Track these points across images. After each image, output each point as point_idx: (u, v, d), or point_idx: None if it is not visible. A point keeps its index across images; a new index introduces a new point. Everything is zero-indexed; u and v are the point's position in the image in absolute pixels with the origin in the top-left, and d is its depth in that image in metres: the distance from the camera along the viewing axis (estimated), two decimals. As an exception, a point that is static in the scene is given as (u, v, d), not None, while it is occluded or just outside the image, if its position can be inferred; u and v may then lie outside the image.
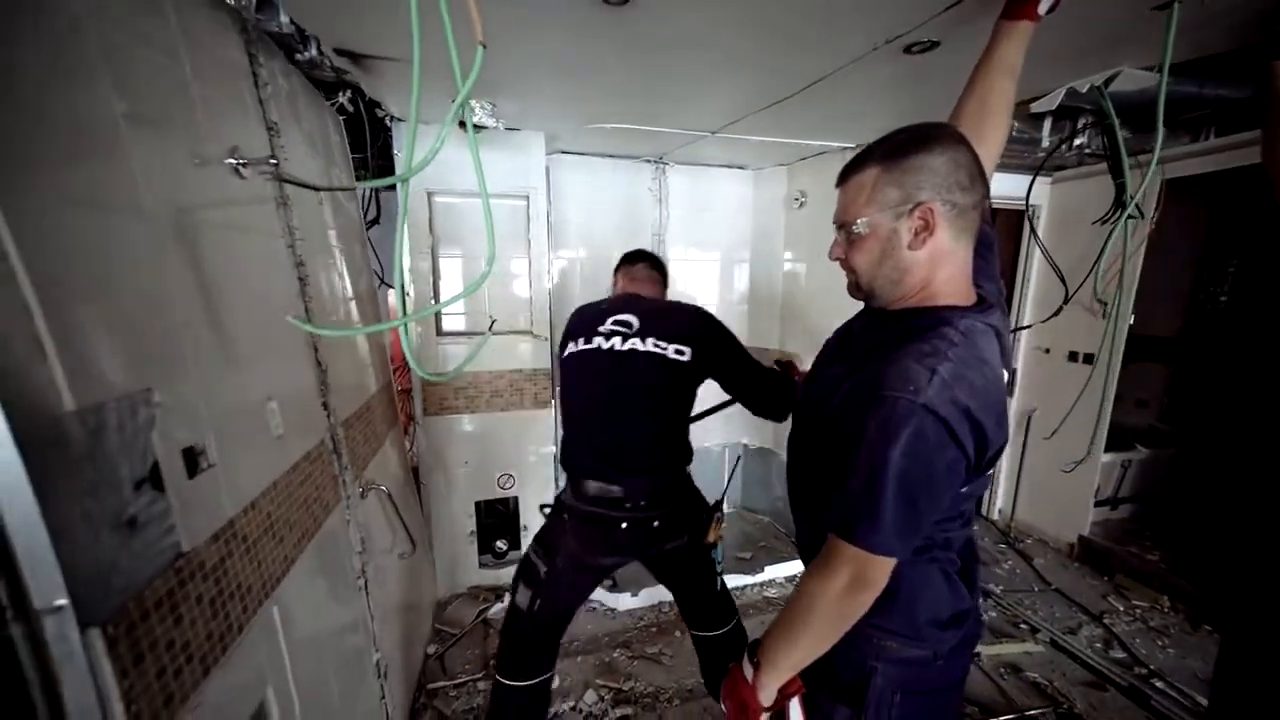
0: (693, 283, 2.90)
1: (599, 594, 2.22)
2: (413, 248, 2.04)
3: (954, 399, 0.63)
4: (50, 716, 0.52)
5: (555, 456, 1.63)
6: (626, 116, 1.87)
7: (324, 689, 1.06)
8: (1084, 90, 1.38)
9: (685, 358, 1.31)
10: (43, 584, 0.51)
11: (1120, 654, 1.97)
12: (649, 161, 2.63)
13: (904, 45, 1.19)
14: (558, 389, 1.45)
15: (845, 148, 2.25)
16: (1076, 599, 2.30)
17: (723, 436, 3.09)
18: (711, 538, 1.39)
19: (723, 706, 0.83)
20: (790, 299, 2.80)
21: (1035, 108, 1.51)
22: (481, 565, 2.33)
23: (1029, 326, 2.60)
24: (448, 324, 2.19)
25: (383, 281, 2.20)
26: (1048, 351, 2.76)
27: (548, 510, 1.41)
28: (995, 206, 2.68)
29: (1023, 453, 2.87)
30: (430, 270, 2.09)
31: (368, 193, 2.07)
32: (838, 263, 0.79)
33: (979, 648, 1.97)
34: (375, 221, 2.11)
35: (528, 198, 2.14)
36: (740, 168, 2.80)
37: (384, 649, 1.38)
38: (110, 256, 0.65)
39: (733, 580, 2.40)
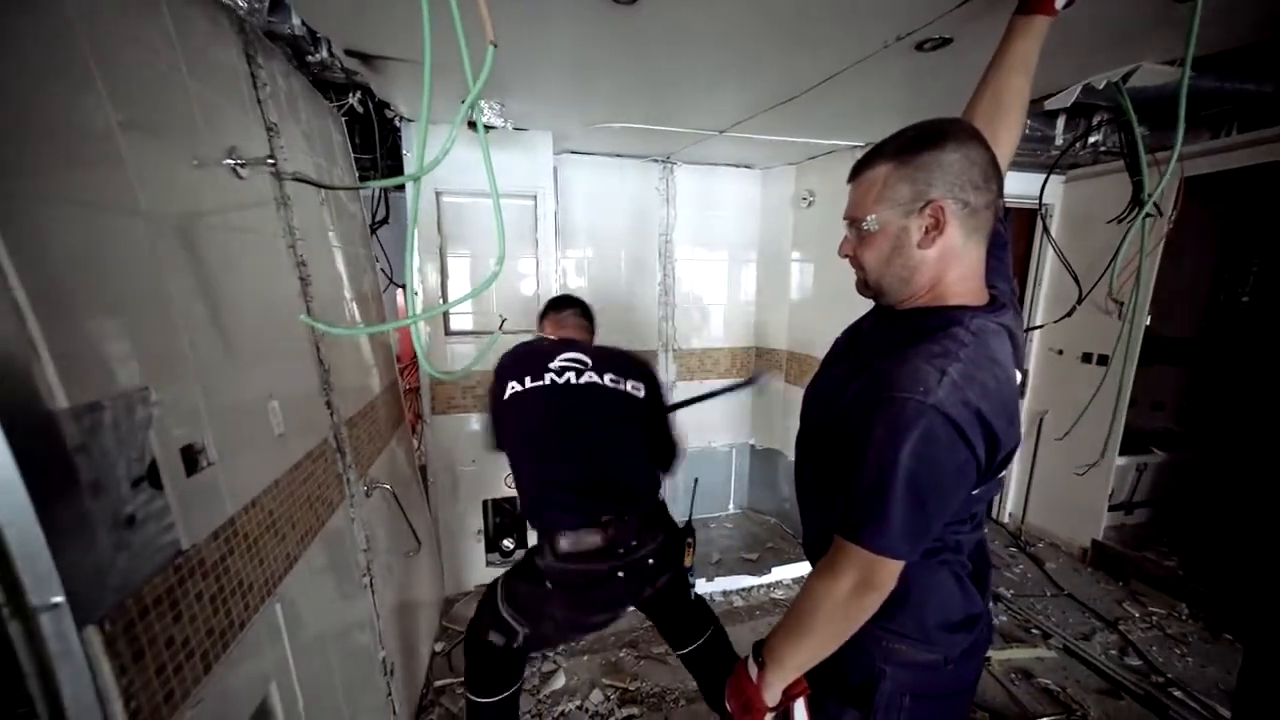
0: (700, 283, 2.89)
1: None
2: (421, 247, 2.05)
3: (965, 400, 0.62)
4: (50, 713, 0.53)
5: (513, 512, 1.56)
6: (634, 116, 1.87)
7: (329, 685, 1.07)
8: (1100, 87, 1.36)
9: (641, 394, 1.31)
10: (39, 581, 0.51)
11: (1136, 661, 1.93)
12: (656, 161, 2.63)
13: (916, 42, 1.18)
14: (499, 437, 1.31)
15: (854, 146, 2.24)
16: (1090, 604, 2.26)
17: (730, 437, 3.08)
18: (688, 562, 1.34)
19: (726, 706, 0.82)
20: (798, 299, 2.78)
21: (1050, 104, 1.48)
22: (489, 564, 2.34)
23: (1041, 327, 2.56)
24: (455, 323, 2.20)
25: (391, 281, 2.22)
26: (1060, 353, 2.72)
27: (513, 579, 1.29)
28: (1007, 205, 2.65)
29: (1034, 455, 2.83)
30: (438, 270, 2.10)
31: (376, 193, 2.08)
32: (847, 260, 0.78)
33: (990, 652, 1.95)
34: (384, 222, 2.13)
35: (535, 197, 2.15)
36: (748, 167, 2.79)
37: (390, 647, 1.39)
38: (105, 257, 0.65)
39: (739, 582, 2.39)
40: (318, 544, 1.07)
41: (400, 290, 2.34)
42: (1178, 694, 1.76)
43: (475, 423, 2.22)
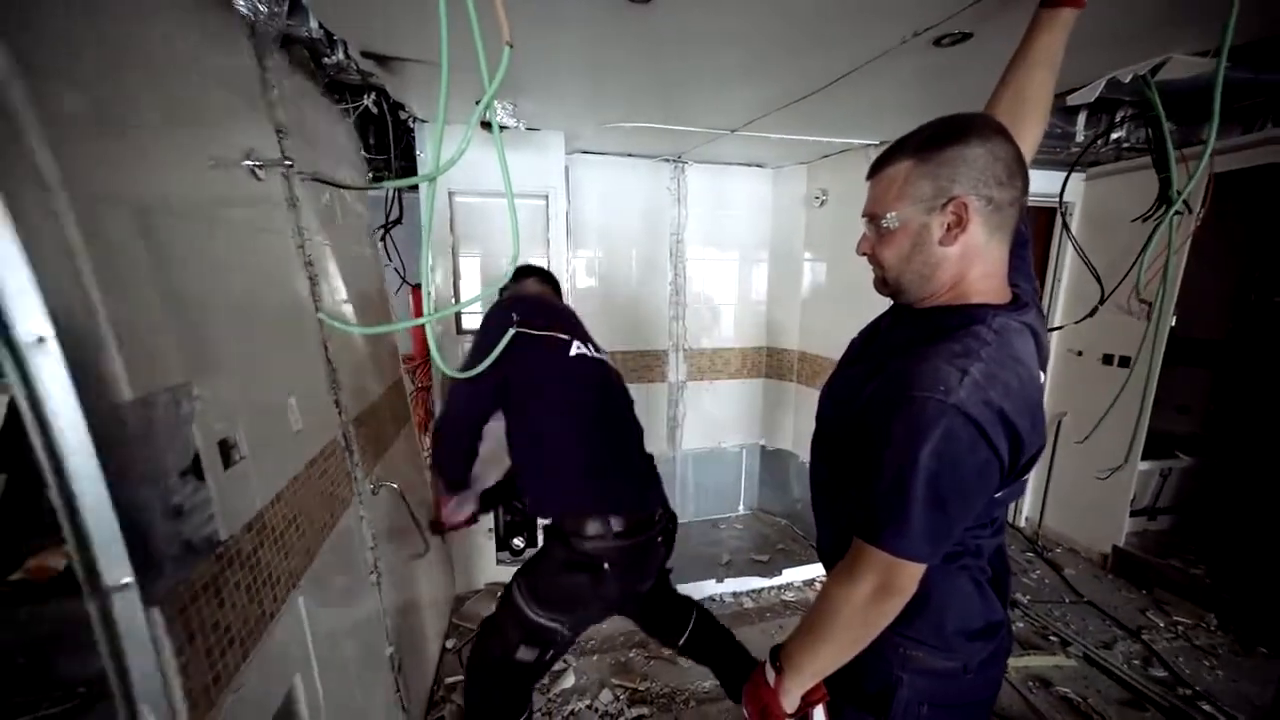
0: (711, 283, 2.88)
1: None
2: (434, 247, 2.07)
3: (987, 400, 0.61)
4: (120, 686, 0.56)
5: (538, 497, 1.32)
6: (646, 116, 1.86)
7: (344, 680, 1.08)
8: (1127, 80, 1.32)
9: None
10: (112, 563, 0.54)
11: (1161, 673, 1.88)
12: (668, 160, 2.62)
13: (934, 38, 1.16)
14: (538, 397, 1.17)
15: (869, 145, 2.21)
16: (1111, 612, 2.20)
17: (740, 437, 3.06)
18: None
19: (744, 711, 0.81)
20: (810, 299, 2.76)
21: (1072, 100, 1.45)
22: (499, 562, 2.34)
23: (1061, 327, 2.50)
24: (468, 322, 2.21)
25: (404, 280, 2.24)
26: (1080, 354, 2.66)
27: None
28: (1027, 204, 2.59)
29: (1052, 459, 2.77)
30: (451, 269, 2.11)
31: (390, 193, 2.11)
32: (865, 258, 0.77)
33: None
34: (398, 221, 2.15)
35: (547, 197, 2.15)
36: (760, 166, 2.77)
37: (398, 643, 1.40)
38: (150, 255, 0.67)
39: (750, 583, 2.37)
40: (331, 540, 1.08)
41: (412, 290, 2.36)
42: (1206, 708, 1.71)
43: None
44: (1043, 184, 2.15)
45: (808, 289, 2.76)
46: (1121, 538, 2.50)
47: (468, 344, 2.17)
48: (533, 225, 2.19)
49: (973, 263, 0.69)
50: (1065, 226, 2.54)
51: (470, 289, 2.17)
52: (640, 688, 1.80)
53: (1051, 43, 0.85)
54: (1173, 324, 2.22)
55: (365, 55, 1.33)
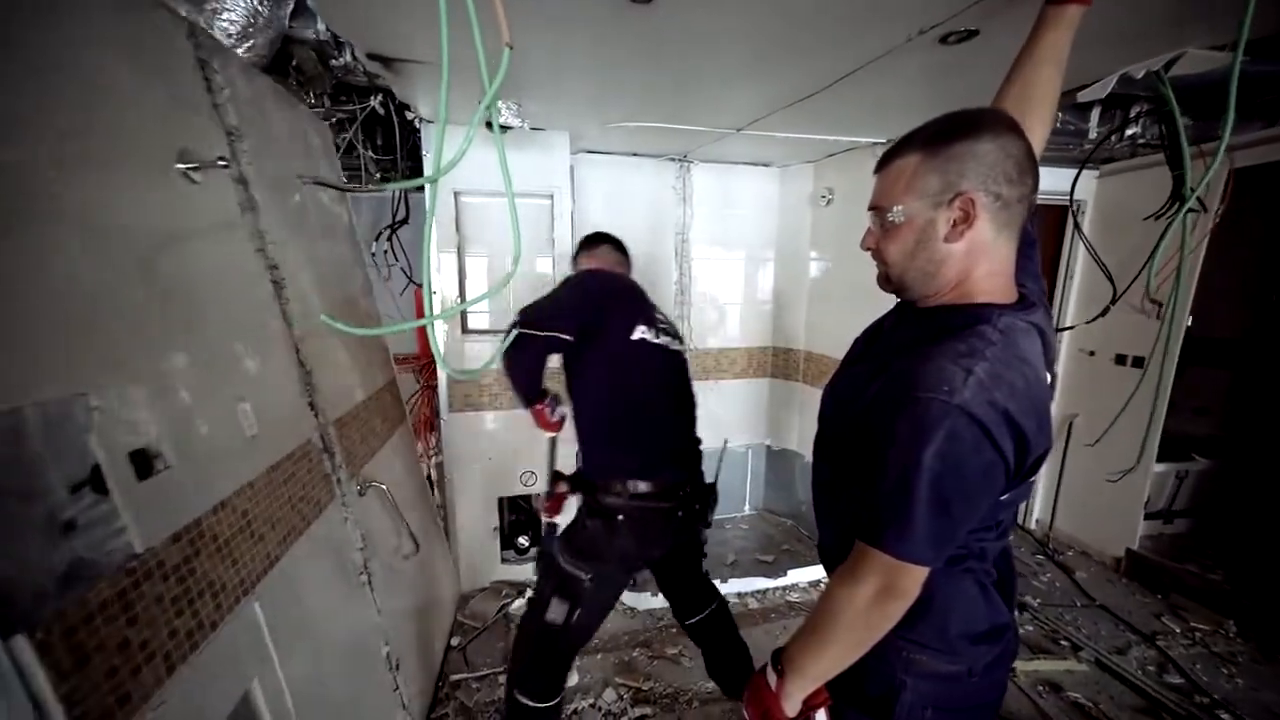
0: (716, 282, 2.87)
1: (619, 593, 2.22)
2: (440, 247, 2.08)
3: (992, 401, 0.60)
4: None
5: (558, 445, 1.55)
6: (651, 115, 1.86)
7: (324, 680, 1.07)
8: (1139, 76, 1.29)
9: (685, 354, 1.46)
10: None
11: (1177, 680, 1.84)
12: (673, 160, 2.61)
13: (940, 35, 1.14)
14: (596, 371, 1.29)
15: (875, 143, 2.19)
16: (1125, 617, 2.16)
17: (746, 437, 3.05)
18: (709, 519, 1.48)
19: (744, 714, 0.81)
20: (817, 298, 2.74)
21: (1083, 96, 1.42)
22: (504, 561, 2.36)
23: (1072, 327, 2.46)
24: (473, 322, 2.23)
25: (411, 280, 2.26)
26: (1092, 354, 2.61)
27: (557, 526, 1.38)
28: (1038, 202, 2.55)
29: (1063, 460, 2.72)
30: (456, 269, 2.13)
31: (396, 194, 2.13)
32: (869, 253, 0.76)
33: (1015, 663, 1.88)
34: (404, 222, 2.17)
35: (552, 197, 2.16)
36: (765, 165, 2.75)
37: (395, 642, 1.40)
38: (34, 264, 0.63)
39: (755, 584, 2.36)
40: (304, 543, 1.07)
41: (417, 289, 2.38)
42: (1225, 717, 1.67)
43: (491, 421, 2.24)
44: (1054, 181, 2.11)
45: (814, 288, 2.74)
46: (1136, 541, 2.45)
47: (474, 344, 2.19)
48: (538, 225, 2.19)
49: (978, 261, 0.68)
50: (1076, 225, 2.49)
51: (477, 288, 2.19)
52: (644, 687, 1.80)
53: (1058, 40, 0.83)
54: (1189, 323, 2.18)
55: (371, 57, 1.35)
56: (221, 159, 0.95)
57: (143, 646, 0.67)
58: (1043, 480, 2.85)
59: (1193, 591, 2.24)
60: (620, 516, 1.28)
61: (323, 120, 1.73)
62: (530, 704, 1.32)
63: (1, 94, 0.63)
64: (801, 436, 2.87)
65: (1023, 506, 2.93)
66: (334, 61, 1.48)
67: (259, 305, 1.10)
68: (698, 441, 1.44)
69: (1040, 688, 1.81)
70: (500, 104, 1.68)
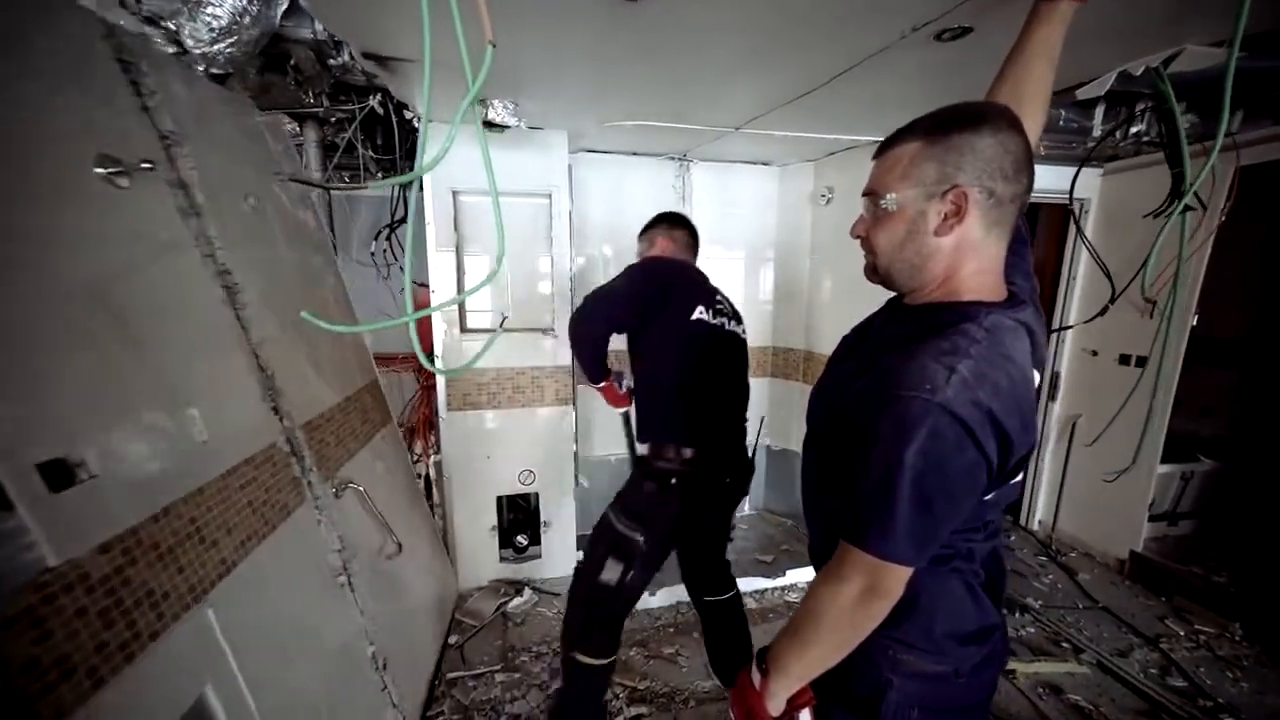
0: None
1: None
2: (438, 246, 2.09)
3: (975, 400, 0.59)
4: None
5: (632, 420, 1.58)
6: (649, 113, 1.86)
7: (298, 681, 1.07)
8: (1138, 73, 1.28)
9: (745, 338, 1.54)
10: None
11: (1180, 683, 1.82)
12: (672, 159, 2.61)
13: (934, 32, 1.14)
14: (654, 347, 1.41)
15: (874, 141, 2.16)
16: (1127, 619, 2.14)
17: (748, 438, 3.03)
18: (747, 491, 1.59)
19: (730, 714, 0.81)
20: (817, 298, 2.73)
21: (1082, 94, 1.40)
22: (502, 560, 2.37)
23: (1070, 327, 2.43)
24: (472, 321, 2.23)
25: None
26: (1095, 354, 2.58)
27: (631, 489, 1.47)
28: (1039, 201, 2.53)
29: (1066, 461, 2.70)
30: (455, 268, 2.13)
31: (395, 193, 2.14)
32: (858, 241, 0.75)
33: (1015, 665, 1.86)
34: (403, 220, 2.19)
35: (550, 196, 2.16)
36: (765, 164, 2.74)
37: (382, 642, 1.39)
38: None
39: (753, 584, 2.36)
40: (268, 547, 1.06)
41: (420, 288, 2.39)
42: (1227, 721, 1.66)
43: (490, 419, 2.25)
44: (1057, 180, 2.11)
45: (814, 288, 2.73)
46: (1139, 543, 2.43)
47: (470, 343, 2.20)
48: (536, 224, 2.20)
49: (966, 258, 0.68)
50: (1076, 223, 2.47)
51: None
52: (640, 686, 1.80)
53: (1050, 35, 0.82)
54: (1194, 323, 2.15)
55: (366, 56, 1.36)
56: (147, 162, 0.92)
57: (60, 663, 0.65)
58: (1046, 481, 2.83)
59: (1197, 594, 2.21)
60: (674, 480, 1.37)
61: (320, 121, 1.74)
62: (590, 661, 1.42)
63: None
64: (801, 437, 2.85)
65: (1025, 507, 2.90)
66: (332, 61, 1.49)
67: (208, 311, 1.09)
68: (745, 416, 1.54)
69: (1040, 690, 1.79)
70: (496, 103, 1.68)
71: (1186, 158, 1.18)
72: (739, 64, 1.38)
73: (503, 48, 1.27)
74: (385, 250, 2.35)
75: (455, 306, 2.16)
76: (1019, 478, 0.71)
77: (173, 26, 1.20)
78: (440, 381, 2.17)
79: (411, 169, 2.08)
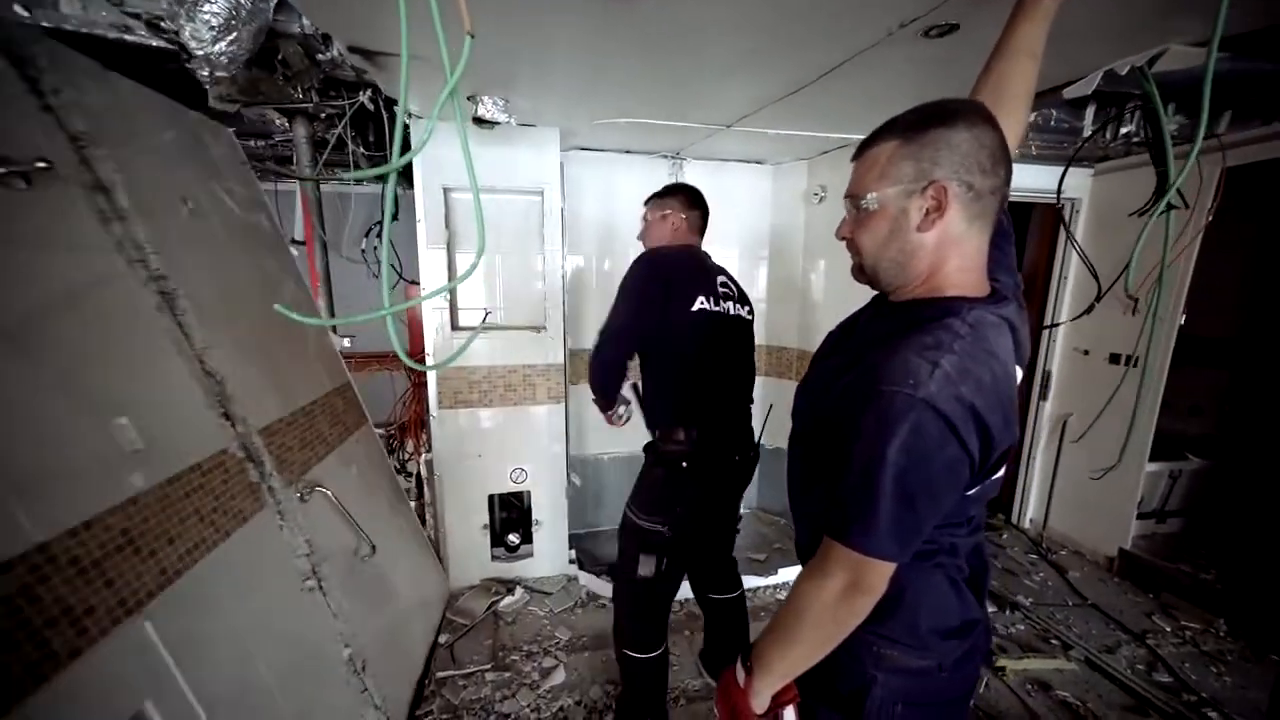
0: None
1: (609, 591, 2.21)
2: (429, 243, 2.08)
3: (958, 395, 0.59)
4: None
5: (640, 405, 1.57)
6: (641, 111, 1.86)
7: (261, 687, 1.06)
8: (1123, 73, 1.29)
9: (752, 319, 1.55)
10: None
11: (1166, 678, 1.83)
12: (665, 157, 2.61)
13: (922, 29, 1.14)
14: (659, 342, 1.42)
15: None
16: (1116, 616, 2.16)
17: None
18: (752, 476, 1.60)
19: (715, 712, 0.80)
20: (810, 297, 2.73)
21: (1068, 94, 1.41)
22: (494, 558, 2.36)
23: (1058, 324, 2.45)
24: (464, 319, 2.22)
25: (401, 277, 2.26)
26: (1086, 353, 2.60)
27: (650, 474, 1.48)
28: (1029, 200, 2.55)
29: (1056, 460, 2.71)
30: (446, 264, 2.12)
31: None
32: (844, 243, 0.76)
33: (1004, 661, 1.88)
34: (394, 218, 2.17)
35: (542, 193, 2.15)
36: (759, 162, 2.75)
37: (360, 644, 1.37)
38: None
39: (746, 582, 2.34)
40: (220, 555, 1.04)
41: (408, 285, 2.38)
42: (1213, 715, 1.66)
43: (483, 418, 2.24)
44: (1048, 179, 2.12)
45: (808, 287, 2.73)
46: (1128, 540, 2.45)
47: (461, 340, 2.19)
48: (528, 221, 2.19)
49: (949, 254, 0.68)
50: (1063, 222, 2.48)
51: (469, 284, 2.19)
52: (631, 685, 1.80)
53: (1033, 31, 0.83)
54: (1182, 322, 2.17)
55: (352, 50, 1.34)
56: (43, 161, 0.88)
57: None
58: (1037, 480, 2.84)
59: (1184, 591, 2.24)
60: (684, 464, 1.39)
61: (309, 117, 1.71)
62: (639, 656, 1.45)
63: None
64: (794, 435, 2.86)
65: (1016, 505, 2.92)
66: (320, 56, 1.48)
67: (138, 317, 1.05)
68: (750, 398, 1.55)
69: (1029, 686, 1.80)
70: (486, 99, 1.67)
71: (1170, 157, 1.18)
72: (733, 61, 1.38)
73: (493, 43, 1.26)
74: (376, 248, 2.34)
75: (448, 305, 2.15)
76: (1000, 473, 0.71)
77: (174, 29, 1.18)
78: (431, 379, 2.16)
79: (405, 166, 2.07)
